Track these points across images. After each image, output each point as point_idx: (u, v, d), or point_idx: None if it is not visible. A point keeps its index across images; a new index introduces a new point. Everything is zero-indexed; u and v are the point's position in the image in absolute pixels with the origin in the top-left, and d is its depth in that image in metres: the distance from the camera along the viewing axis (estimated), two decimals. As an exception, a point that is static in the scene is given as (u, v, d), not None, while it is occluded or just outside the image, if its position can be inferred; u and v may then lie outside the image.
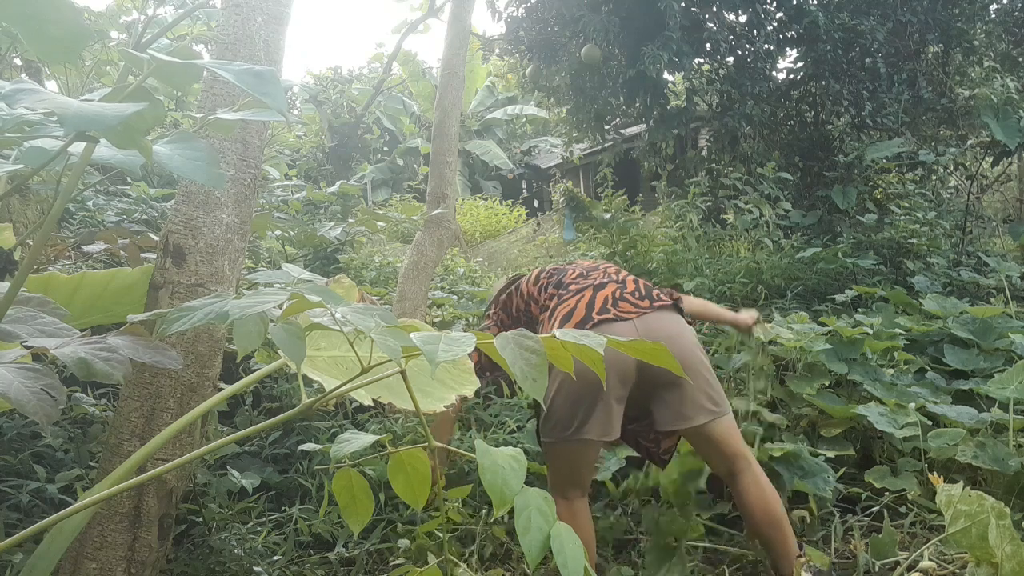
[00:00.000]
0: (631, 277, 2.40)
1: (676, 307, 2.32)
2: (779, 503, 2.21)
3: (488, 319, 2.69)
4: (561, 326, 2.22)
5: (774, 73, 6.80)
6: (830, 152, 6.26)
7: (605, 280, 2.35)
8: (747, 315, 2.81)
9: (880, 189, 6.03)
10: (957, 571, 2.30)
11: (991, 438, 2.74)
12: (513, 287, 2.64)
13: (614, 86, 6.83)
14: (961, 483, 2.20)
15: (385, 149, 20.69)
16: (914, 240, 5.09)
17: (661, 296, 2.32)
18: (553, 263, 2.83)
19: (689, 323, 2.36)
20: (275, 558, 2.63)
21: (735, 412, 2.49)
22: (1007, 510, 2.03)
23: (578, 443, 2.17)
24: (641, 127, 7.55)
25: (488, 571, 2.53)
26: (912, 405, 2.90)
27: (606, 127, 7.75)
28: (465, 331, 1.18)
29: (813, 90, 6.52)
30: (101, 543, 1.99)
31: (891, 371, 3.35)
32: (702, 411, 2.17)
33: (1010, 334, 3.48)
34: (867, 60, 6.00)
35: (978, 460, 2.62)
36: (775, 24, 6.35)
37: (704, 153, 7.32)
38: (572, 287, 2.36)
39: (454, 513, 2.70)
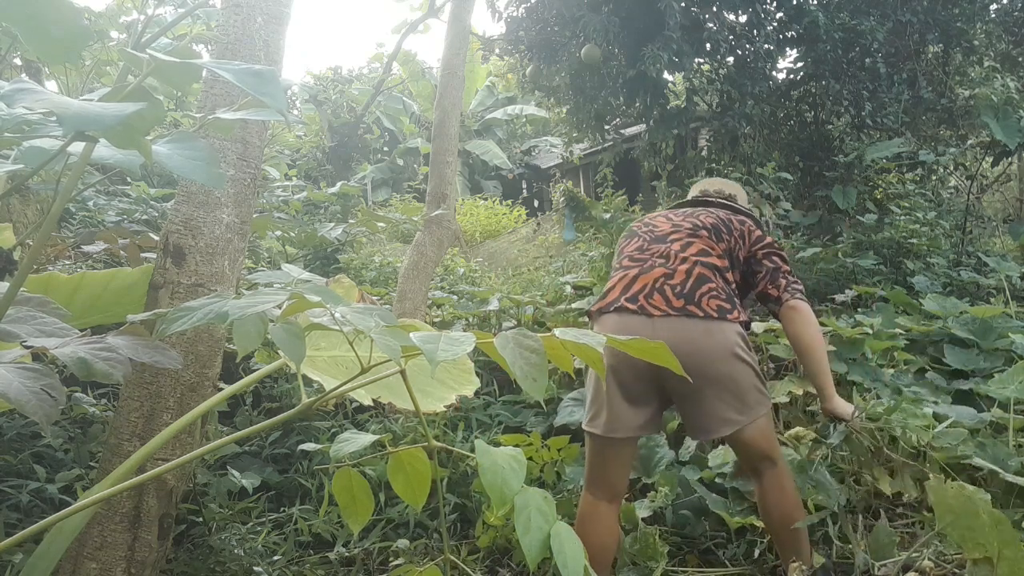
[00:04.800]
0: (685, 267, 2.18)
1: (721, 319, 2.09)
2: (800, 509, 2.20)
3: None
4: (599, 302, 2.25)
5: (774, 73, 6.78)
6: (830, 152, 6.25)
7: (656, 263, 2.22)
8: (844, 408, 2.30)
9: (880, 189, 6.03)
10: (956, 571, 2.29)
11: (991, 438, 2.74)
12: None
13: (614, 86, 6.82)
14: (943, 476, 2.19)
15: (385, 149, 20.69)
16: (914, 240, 5.09)
17: (705, 304, 2.10)
18: (640, 219, 2.50)
19: (743, 332, 2.13)
20: (275, 558, 2.63)
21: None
22: (988, 496, 2.02)
23: (588, 435, 2.23)
24: (641, 127, 7.54)
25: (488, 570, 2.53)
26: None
27: (606, 127, 7.74)
28: (465, 331, 1.18)
29: (813, 90, 6.51)
30: (101, 543, 1.99)
31: (891, 371, 3.35)
32: (725, 424, 2.11)
33: (1010, 334, 3.48)
34: (867, 60, 5.99)
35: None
36: (775, 24, 6.34)
37: (704, 153, 7.31)
38: (625, 261, 2.30)
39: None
